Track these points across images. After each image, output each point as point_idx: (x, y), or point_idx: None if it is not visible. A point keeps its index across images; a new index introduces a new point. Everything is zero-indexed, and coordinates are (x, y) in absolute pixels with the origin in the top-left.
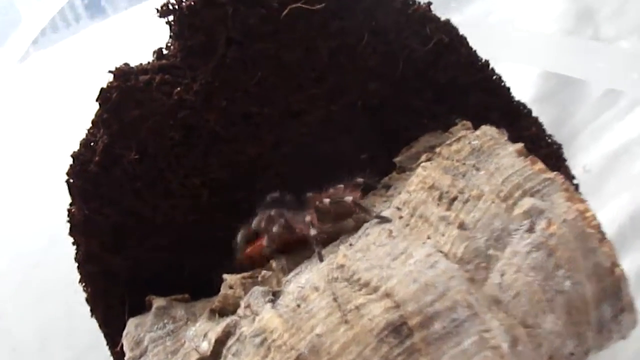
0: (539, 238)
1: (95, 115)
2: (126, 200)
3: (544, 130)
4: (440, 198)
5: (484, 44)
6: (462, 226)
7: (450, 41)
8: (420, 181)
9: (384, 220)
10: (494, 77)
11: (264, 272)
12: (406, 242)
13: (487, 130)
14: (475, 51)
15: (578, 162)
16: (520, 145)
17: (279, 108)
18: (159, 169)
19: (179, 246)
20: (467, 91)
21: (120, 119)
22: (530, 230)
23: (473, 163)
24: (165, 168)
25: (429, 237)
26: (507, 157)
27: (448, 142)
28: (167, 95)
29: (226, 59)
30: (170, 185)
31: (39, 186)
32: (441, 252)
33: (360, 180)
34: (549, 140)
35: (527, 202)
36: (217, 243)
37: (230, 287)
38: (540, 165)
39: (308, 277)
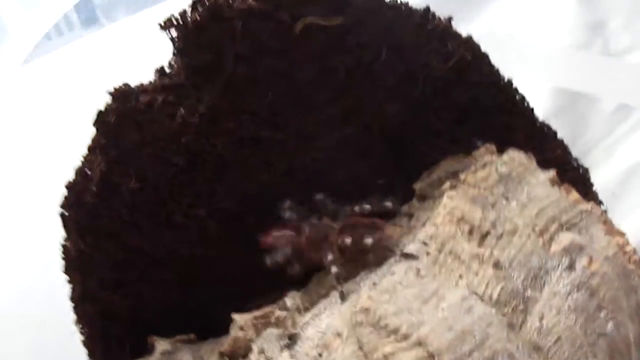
0: (580, 277)
1: (92, 140)
2: (126, 234)
3: (569, 153)
4: (470, 232)
5: (492, 59)
6: (497, 265)
7: (473, 59)
8: (448, 213)
9: (411, 257)
10: (517, 97)
11: (277, 312)
12: (436, 283)
13: (515, 155)
14: (497, 70)
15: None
16: (552, 173)
17: (292, 131)
18: (161, 198)
19: (183, 282)
20: (490, 112)
21: (119, 144)
22: (570, 268)
23: (502, 192)
24: (168, 197)
25: (460, 277)
26: (540, 186)
27: (473, 168)
28: (170, 118)
29: (234, 77)
30: (174, 216)
31: (26, 219)
32: (476, 294)
33: (389, 205)
34: (575, 164)
35: (565, 238)
36: (226, 278)
37: (241, 329)
38: (575, 195)
39: (329, 321)
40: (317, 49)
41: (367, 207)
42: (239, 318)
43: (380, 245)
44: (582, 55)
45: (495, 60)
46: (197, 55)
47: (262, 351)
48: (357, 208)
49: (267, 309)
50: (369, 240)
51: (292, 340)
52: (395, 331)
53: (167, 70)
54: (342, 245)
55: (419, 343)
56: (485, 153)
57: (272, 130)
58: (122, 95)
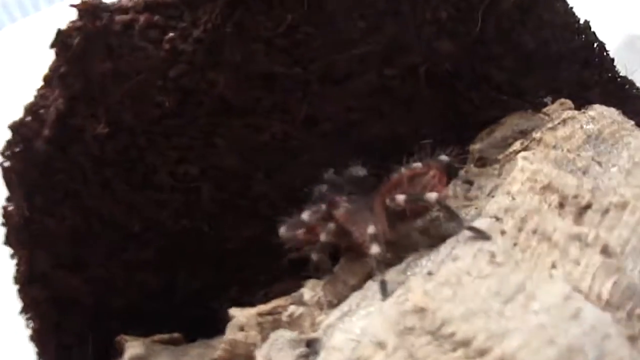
0: None
1: (49, 68)
2: (90, 196)
3: None
4: (562, 205)
5: None
6: (606, 251)
7: None
8: (528, 179)
9: (481, 235)
10: (596, 45)
11: (291, 308)
12: (521, 274)
13: (605, 111)
14: (572, 8)
15: None
16: None
17: (316, 69)
18: (139, 149)
19: (167, 263)
20: (561, 61)
21: (84, 74)
22: None
23: (591, 155)
24: (150, 149)
25: (554, 265)
26: None
27: (550, 125)
28: (155, 44)
29: None
30: (156, 174)
31: None
32: (579, 290)
33: (444, 158)
34: None
35: None
36: (223, 259)
37: (241, 329)
38: None
39: (365, 324)
40: None
41: (417, 164)
42: (238, 314)
43: (445, 207)
44: None
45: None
46: None
47: None
48: (402, 169)
49: (277, 302)
50: (432, 195)
51: (311, 348)
52: (466, 343)
53: None
54: (394, 205)
55: None
56: (559, 109)
57: (290, 66)
58: (92, 11)
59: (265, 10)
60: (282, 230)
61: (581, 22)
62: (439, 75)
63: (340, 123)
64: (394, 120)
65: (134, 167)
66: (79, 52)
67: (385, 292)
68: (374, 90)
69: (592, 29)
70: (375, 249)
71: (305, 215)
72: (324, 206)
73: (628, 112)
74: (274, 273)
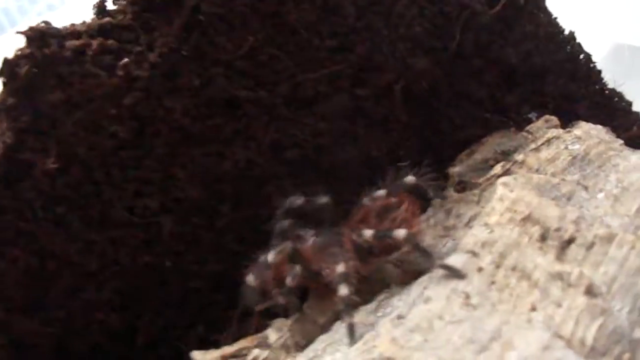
0: None
1: None
2: (43, 233)
3: None
4: (543, 238)
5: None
6: (590, 291)
7: (526, 3)
8: (507, 208)
9: (455, 274)
10: (582, 56)
11: (255, 351)
12: (497, 318)
13: (591, 129)
14: (556, 19)
15: None
16: None
17: (282, 92)
18: (94, 184)
19: (128, 302)
20: (546, 74)
21: (33, 105)
22: None
23: (577, 179)
24: (105, 183)
25: (534, 308)
26: (634, 172)
27: (533, 146)
28: (108, 71)
29: (200, 14)
30: (112, 209)
31: None
32: (560, 336)
33: (410, 179)
34: None
35: None
36: (187, 297)
37: None
38: None
39: None
40: None
41: (380, 193)
42: (201, 357)
43: (416, 245)
44: None
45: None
46: None
47: None
48: (366, 200)
49: (242, 344)
50: (400, 232)
51: None
52: None
53: (109, 7)
54: (361, 241)
55: None
56: (544, 127)
57: (253, 90)
58: (40, 37)
59: (225, 32)
60: (250, 279)
61: (566, 33)
62: (415, 93)
63: (308, 149)
64: (367, 143)
65: (88, 203)
66: (27, 81)
67: (352, 336)
68: (346, 112)
69: (577, 40)
70: (343, 290)
71: (270, 257)
72: (289, 243)
73: (616, 126)
74: (242, 309)
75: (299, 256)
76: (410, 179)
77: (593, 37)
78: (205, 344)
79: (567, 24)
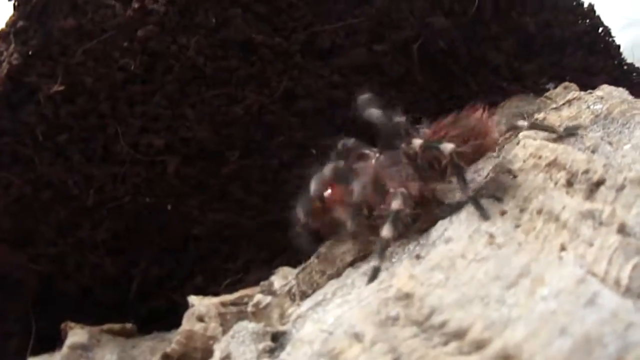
0: None
1: (6, 24)
2: (41, 161)
3: None
4: (569, 183)
5: None
6: (623, 230)
7: None
8: (531, 154)
9: (481, 211)
10: (601, 30)
11: (258, 297)
12: (525, 256)
13: (613, 90)
14: None
15: None
16: None
17: (298, 40)
18: (99, 116)
19: (124, 245)
20: (564, 46)
21: (44, 30)
22: None
23: (600, 135)
24: (110, 116)
25: (563, 248)
26: None
27: (554, 106)
28: (123, 3)
29: None
30: (116, 144)
31: None
32: (594, 274)
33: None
34: None
35: None
36: (187, 244)
37: (200, 319)
38: None
39: (340, 312)
40: None
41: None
42: (198, 302)
43: (455, 160)
44: None
45: None
46: None
47: (227, 357)
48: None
49: (243, 292)
50: (447, 147)
51: (277, 342)
52: (459, 335)
53: None
54: (408, 149)
55: (506, 358)
56: (563, 92)
57: (270, 35)
58: None
59: None
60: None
61: (585, 5)
62: (433, 54)
63: (322, 101)
64: (382, 101)
65: (92, 135)
66: (40, 6)
67: (374, 278)
68: (362, 66)
69: (596, 13)
70: (387, 231)
71: (327, 170)
72: (341, 162)
73: None
74: (243, 262)
75: (353, 175)
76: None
77: (612, 11)
78: (202, 294)
79: None
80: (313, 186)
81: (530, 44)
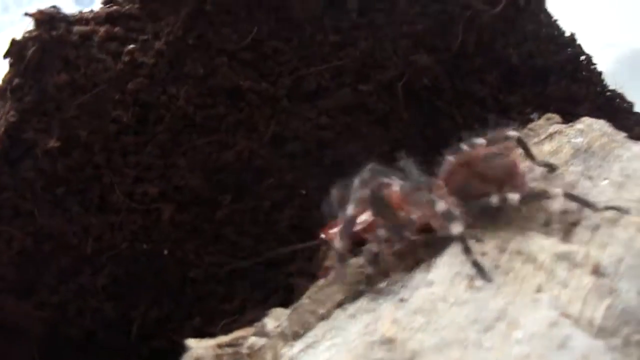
0: None
1: (2, 80)
2: (40, 214)
3: None
4: (546, 223)
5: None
6: (597, 271)
7: (526, 4)
8: None
9: (466, 249)
10: (583, 58)
11: (252, 339)
12: (502, 299)
13: (594, 123)
14: (557, 21)
15: None
16: None
17: (285, 84)
18: (95, 167)
19: (123, 290)
20: (547, 75)
21: (38, 86)
22: None
23: (580, 170)
24: (105, 167)
25: (539, 290)
26: (637, 160)
27: (535, 140)
28: (114, 56)
29: (206, 4)
30: (112, 194)
31: None
32: (567, 316)
33: (513, 134)
34: None
35: None
36: (184, 287)
37: None
38: None
39: (329, 355)
40: None
41: (480, 141)
42: (195, 345)
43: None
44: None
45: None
46: None
47: None
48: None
49: (238, 333)
50: (513, 133)
51: None
52: None
53: None
54: (470, 145)
55: None
56: (546, 125)
57: (257, 81)
58: (49, 20)
59: (230, 23)
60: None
61: (567, 34)
62: (417, 91)
63: (310, 142)
64: (369, 140)
65: (88, 186)
66: (34, 63)
67: (483, 271)
68: (348, 107)
69: (578, 42)
70: (457, 227)
71: (349, 209)
72: (367, 190)
73: (618, 128)
74: (239, 302)
75: (382, 201)
76: (513, 133)
77: (592, 39)
78: (202, 337)
79: (567, 26)
80: (349, 210)
81: (513, 75)
